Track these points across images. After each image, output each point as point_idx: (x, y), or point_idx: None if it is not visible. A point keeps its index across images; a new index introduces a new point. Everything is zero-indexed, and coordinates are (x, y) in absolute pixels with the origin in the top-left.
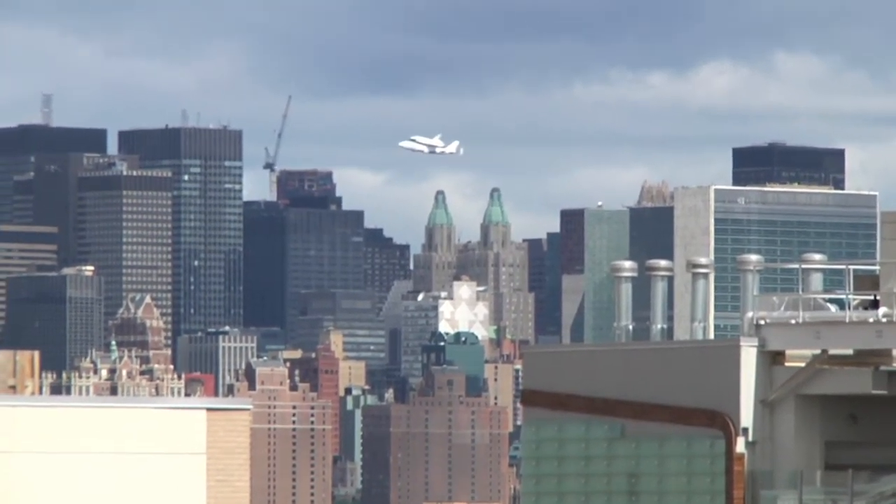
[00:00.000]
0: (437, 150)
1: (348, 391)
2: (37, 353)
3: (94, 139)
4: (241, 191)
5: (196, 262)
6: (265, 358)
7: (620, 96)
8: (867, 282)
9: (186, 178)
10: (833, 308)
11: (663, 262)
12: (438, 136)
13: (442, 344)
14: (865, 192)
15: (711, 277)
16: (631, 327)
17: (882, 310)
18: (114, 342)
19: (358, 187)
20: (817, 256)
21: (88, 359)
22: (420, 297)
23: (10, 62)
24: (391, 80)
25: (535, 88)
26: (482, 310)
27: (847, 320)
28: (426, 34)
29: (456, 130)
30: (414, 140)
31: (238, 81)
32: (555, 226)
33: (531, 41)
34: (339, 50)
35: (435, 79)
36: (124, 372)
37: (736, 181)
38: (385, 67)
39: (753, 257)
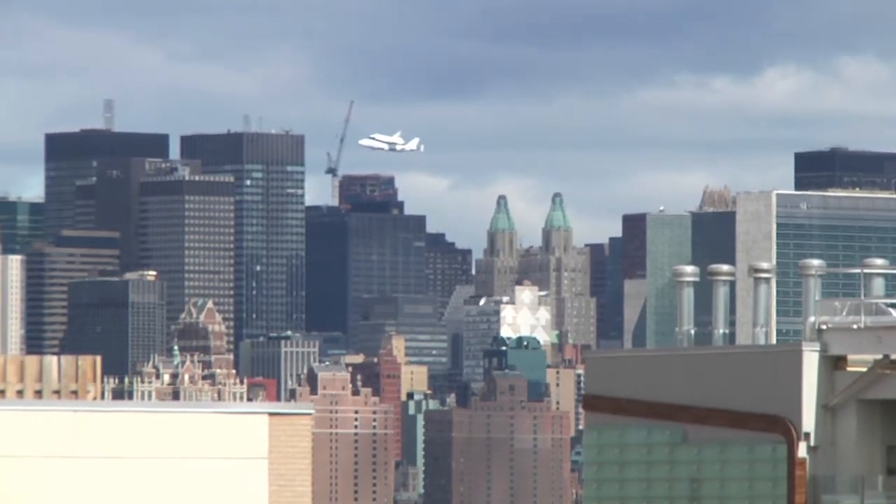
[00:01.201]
0: (398, 147)
1: (410, 396)
2: (99, 358)
3: (156, 144)
4: (303, 196)
5: (258, 267)
6: (327, 363)
7: (684, 100)
8: None
9: (248, 182)
10: (895, 313)
11: (725, 267)
12: (398, 133)
13: (504, 349)
14: None
15: (773, 282)
16: (693, 332)
17: None
18: (176, 347)
19: (420, 192)
20: (879, 261)
21: (150, 364)
22: (482, 301)
23: (73, 67)
24: (454, 85)
25: (599, 93)
26: (544, 314)
27: None
28: (490, 39)
29: (519, 135)
30: (374, 138)
31: (300, 86)
32: (617, 230)
33: (595, 46)
34: (403, 54)
35: (498, 83)
36: (186, 377)
37: (798, 186)
38: (448, 72)
39: (815, 262)
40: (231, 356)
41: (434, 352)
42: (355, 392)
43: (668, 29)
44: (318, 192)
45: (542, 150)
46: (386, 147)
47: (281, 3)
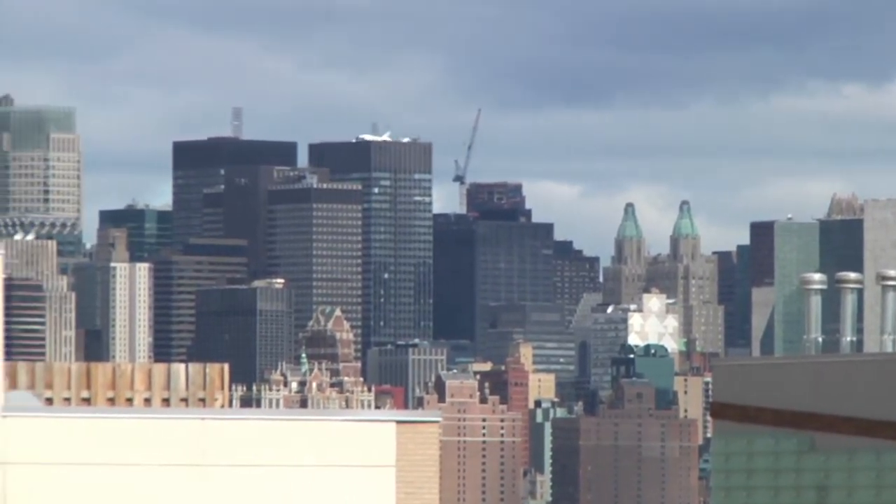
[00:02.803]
0: None
1: (538, 404)
2: (227, 366)
3: (284, 152)
4: (430, 203)
5: (386, 275)
6: (455, 370)
7: (815, 107)
8: None
9: (376, 190)
10: None
11: (853, 275)
12: (388, 133)
13: (631, 356)
14: None
15: None
16: (820, 340)
17: None
18: (304, 354)
19: (548, 200)
20: None
21: (278, 371)
22: (609, 309)
23: (202, 75)
24: (584, 93)
25: (730, 100)
26: (672, 322)
27: None
28: (620, 46)
29: (649, 142)
30: (360, 138)
31: (429, 94)
32: (745, 238)
33: (728, 52)
34: (532, 62)
35: (629, 91)
36: (314, 384)
37: None
38: (578, 80)
39: None
40: (359, 364)
41: (562, 359)
42: (483, 400)
43: (800, 35)
44: (446, 199)
45: (672, 158)
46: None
47: (412, 11)
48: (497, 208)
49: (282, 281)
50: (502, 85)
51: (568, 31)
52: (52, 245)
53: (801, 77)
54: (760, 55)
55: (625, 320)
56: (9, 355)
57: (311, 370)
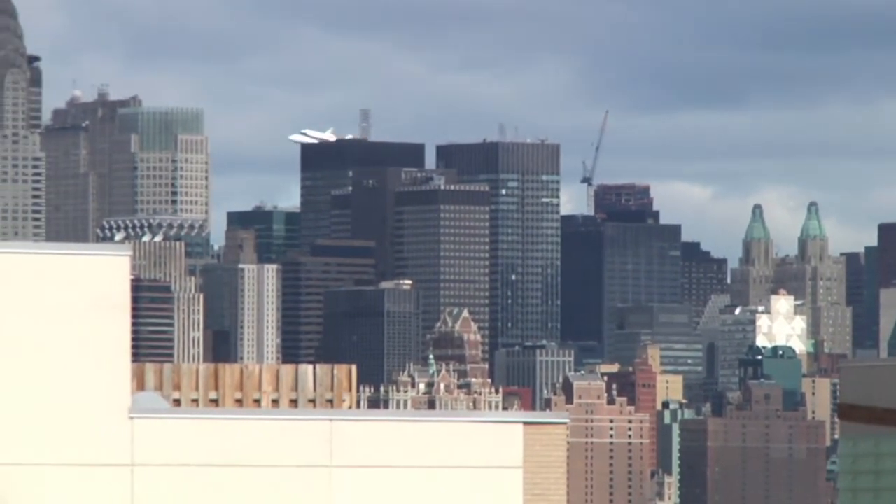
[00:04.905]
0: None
1: (665, 405)
2: (354, 367)
3: (411, 153)
4: (558, 205)
5: (513, 277)
6: (582, 372)
7: None
8: None
9: (504, 192)
10: None
11: None
12: (330, 129)
13: (759, 358)
14: None
15: None
16: None
17: None
18: (431, 356)
19: (676, 201)
20: None
21: (406, 373)
22: (737, 311)
23: (333, 76)
24: (716, 93)
25: (863, 100)
26: (800, 324)
27: None
28: (752, 46)
29: (781, 143)
30: (304, 133)
31: (557, 95)
32: (873, 239)
33: (861, 51)
34: (661, 63)
35: (759, 91)
36: (442, 386)
37: None
38: (707, 80)
39: None
40: (486, 365)
41: (689, 361)
42: (610, 401)
43: None
44: (574, 201)
45: (804, 158)
46: (317, 143)
47: (542, 13)
48: (625, 210)
49: (409, 282)
50: (631, 86)
51: (697, 31)
52: (180, 246)
53: None
54: (894, 55)
55: (752, 322)
56: (137, 356)
57: (438, 371)
